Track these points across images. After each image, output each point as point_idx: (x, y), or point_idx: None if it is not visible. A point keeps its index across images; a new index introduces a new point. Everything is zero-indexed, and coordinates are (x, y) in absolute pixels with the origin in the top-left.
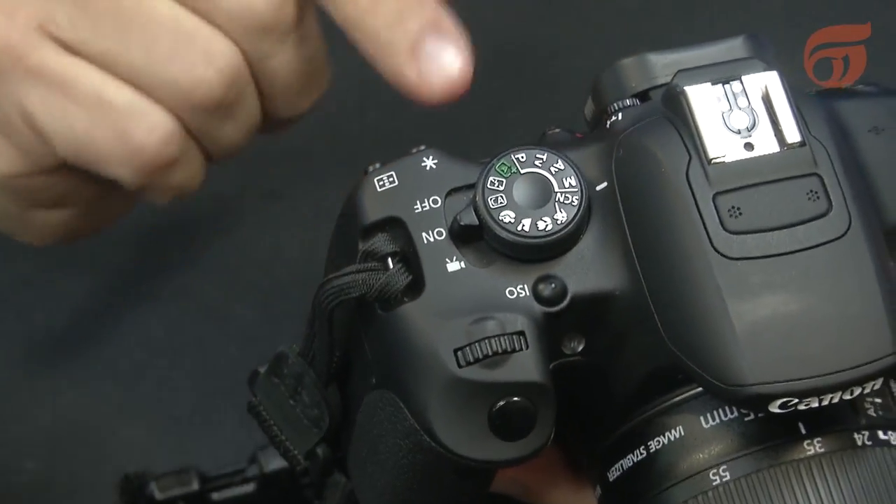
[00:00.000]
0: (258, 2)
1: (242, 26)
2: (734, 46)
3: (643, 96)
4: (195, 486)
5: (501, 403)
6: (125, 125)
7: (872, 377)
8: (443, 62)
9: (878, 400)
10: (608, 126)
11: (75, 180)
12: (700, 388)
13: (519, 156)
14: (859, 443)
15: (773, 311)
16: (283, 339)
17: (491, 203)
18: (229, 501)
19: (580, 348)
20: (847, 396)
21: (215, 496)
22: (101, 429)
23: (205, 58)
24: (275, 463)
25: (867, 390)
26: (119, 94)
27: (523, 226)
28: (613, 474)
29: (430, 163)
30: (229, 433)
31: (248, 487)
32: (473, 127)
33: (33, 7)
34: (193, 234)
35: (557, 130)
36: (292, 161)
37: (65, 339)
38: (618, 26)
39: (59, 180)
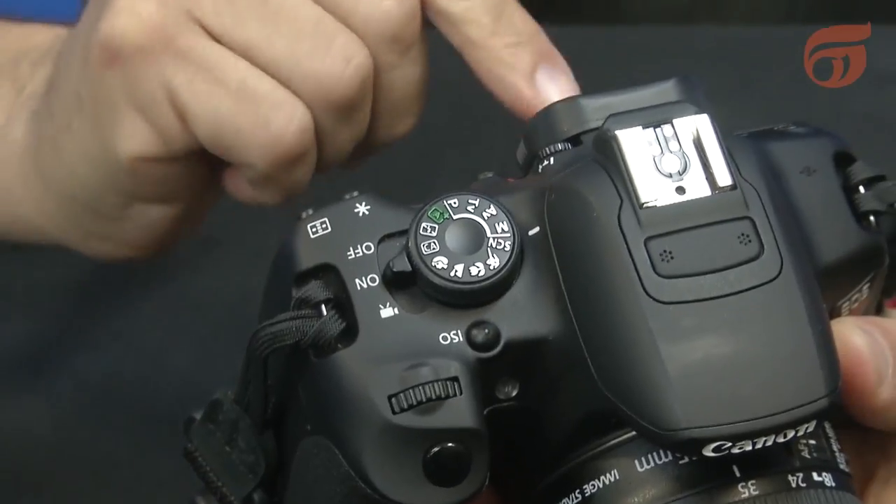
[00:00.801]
0: (393, 11)
1: (377, 32)
2: (666, 89)
3: (575, 140)
4: None
5: (436, 449)
6: (267, 112)
7: (806, 420)
8: (560, 86)
9: (812, 441)
10: (540, 170)
11: (194, 170)
12: (634, 432)
13: (451, 201)
14: (794, 485)
15: (705, 354)
16: (220, 382)
17: (424, 249)
18: None
19: (514, 393)
20: (781, 439)
21: None
22: (37, 473)
23: (343, 57)
24: None
25: (801, 433)
26: (262, 82)
27: (456, 272)
28: None
29: (363, 209)
30: (167, 477)
31: None
32: (407, 172)
33: None
34: (130, 278)
35: (490, 175)
36: (228, 206)
37: (1, 383)
38: None
39: (180, 169)
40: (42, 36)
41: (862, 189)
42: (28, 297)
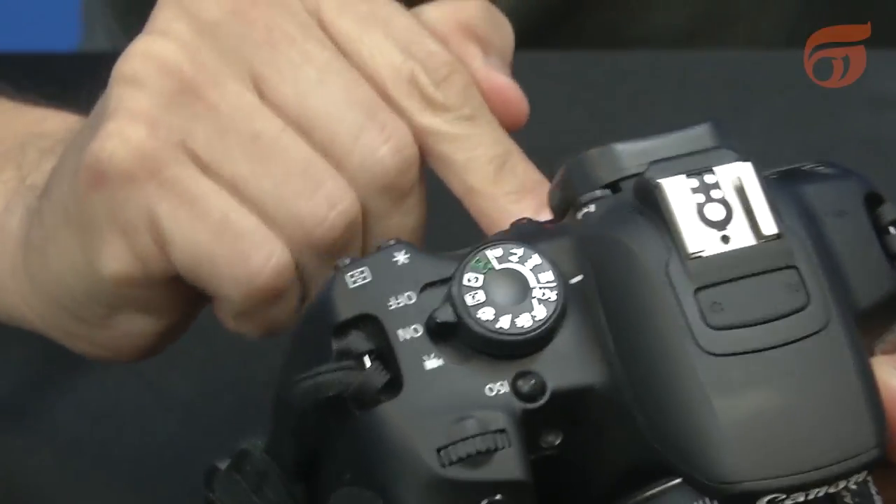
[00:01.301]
0: (388, 161)
1: (368, 181)
2: (701, 134)
3: (614, 187)
4: None
5: (485, 502)
6: (246, 248)
7: (857, 471)
8: None
9: (853, 486)
10: (579, 217)
11: (178, 290)
12: (678, 480)
13: (495, 252)
14: None
15: (757, 407)
16: (220, 409)
17: (468, 300)
18: None
19: (557, 442)
20: (832, 490)
21: None
22: (38, 501)
23: (329, 201)
24: None
25: (850, 484)
26: (244, 218)
27: (502, 324)
28: None
29: (402, 258)
30: None
31: None
32: (438, 216)
33: (176, 123)
34: None
35: (525, 221)
36: None
37: (1, 410)
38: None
39: (161, 291)
40: (53, 123)
41: (892, 230)
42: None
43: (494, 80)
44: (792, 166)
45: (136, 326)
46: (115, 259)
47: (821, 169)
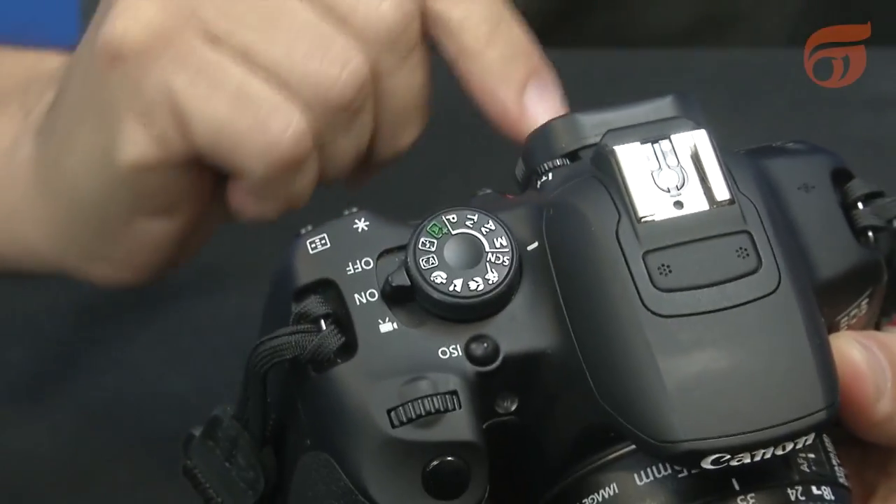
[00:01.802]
0: (390, 15)
1: (374, 36)
2: (663, 106)
3: (573, 156)
4: None
5: (435, 463)
6: (264, 117)
7: (804, 433)
8: (547, 104)
9: (811, 455)
10: (538, 186)
11: (194, 181)
12: (632, 447)
13: (450, 217)
14: (793, 498)
15: (703, 367)
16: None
17: (422, 264)
18: None
19: (513, 407)
20: (779, 452)
21: None
22: (39, 499)
23: (340, 60)
24: None
25: (799, 445)
26: (260, 86)
27: (455, 286)
28: None
29: (361, 224)
30: (169, 501)
31: None
32: (405, 191)
33: None
34: (130, 305)
35: (488, 192)
36: (226, 231)
37: (1, 411)
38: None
39: (180, 178)
40: (52, 62)
41: (860, 205)
42: (28, 323)
43: None
44: (763, 145)
45: (155, 232)
46: (135, 143)
47: (790, 145)
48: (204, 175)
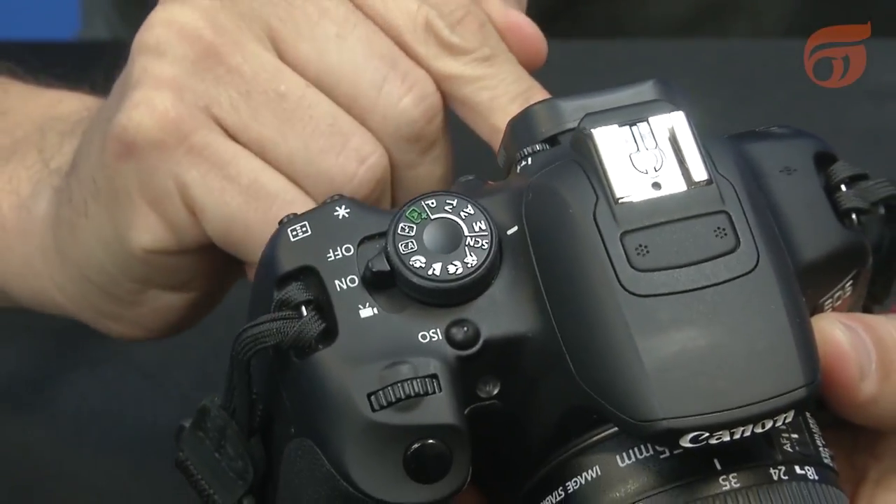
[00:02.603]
0: (410, 111)
1: (394, 132)
2: (643, 90)
3: (552, 141)
4: None
5: (416, 446)
6: (277, 211)
7: (783, 410)
8: None
9: (794, 435)
10: (518, 171)
11: (209, 263)
12: (616, 428)
13: (429, 202)
14: (775, 478)
15: (681, 346)
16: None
17: (401, 249)
18: None
19: (495, 391)
20: (759, 430)
21: None
22: (38, 492)
23: (357, 156)
24: None
25: (779, 423)
26: (274, 180)
27: (434, 270)
28: None
29: (342, 212)
30: (169, 495)
31: None
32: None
33: (200, 89)
34: None
35: (470, 178)
36: None
37: (2, 400)
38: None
39: (193, 262)
40: (69, 105)
41: (843, 188)
42: (28, 317)
43: (510, 17)
44: (748, 130)
45: (168, 301)
46: (147, 231)
47: (774, 129)
48: (219, 254)
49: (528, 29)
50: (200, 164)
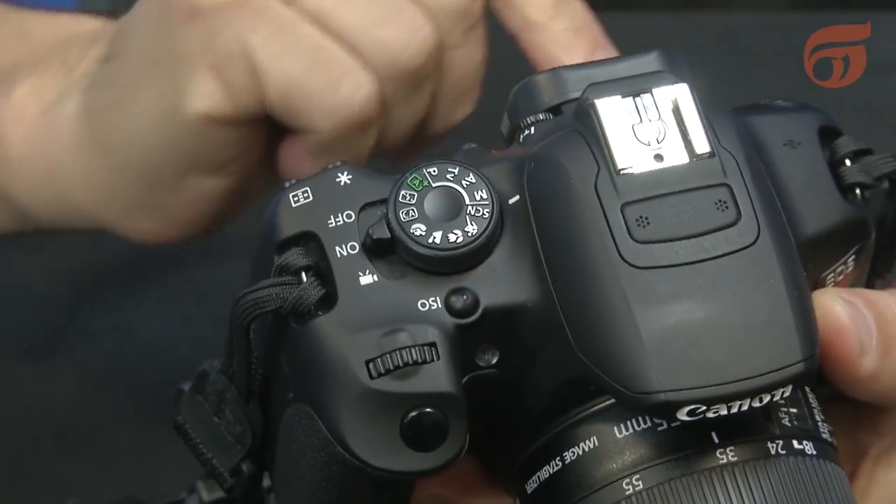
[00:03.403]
0: None
1: (442, 8)
2: (648, 61)
3: (556, 110)
4: None
5: (413, 414)
6: (337, 77)
7: (781, 384)
8: None
9: (793, 409)
10: (521, 140)
11: (252, 139)
12: (611, 401)
13: (431, 170)
14: (773, 452)
15: (679, 319)
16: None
17: (402, 216)
18: None
19: (494, 360)
20: (756, 404)
21: None
22: (40, 462)
23: (411, 28)
24: (214, 493)
25: (777, 398)
26: (333, 48)
27: (434, 238)
28: (531, 486)
29: (344, 178)
30: (170, 465)
31: None
32: None
33: None
34: (132, 269)
35: (473, 146)
36: None
37: (2, 374)
38: None
39: (242, 137)
40: (87, 24)
41: (848, 162)
42: (29, 285)
43: None
44: (752, 103)
45: (206, 189)
46: (207, 96)
47: (778, 103)
48: (261, 134)
49: None
50: (264, 26)
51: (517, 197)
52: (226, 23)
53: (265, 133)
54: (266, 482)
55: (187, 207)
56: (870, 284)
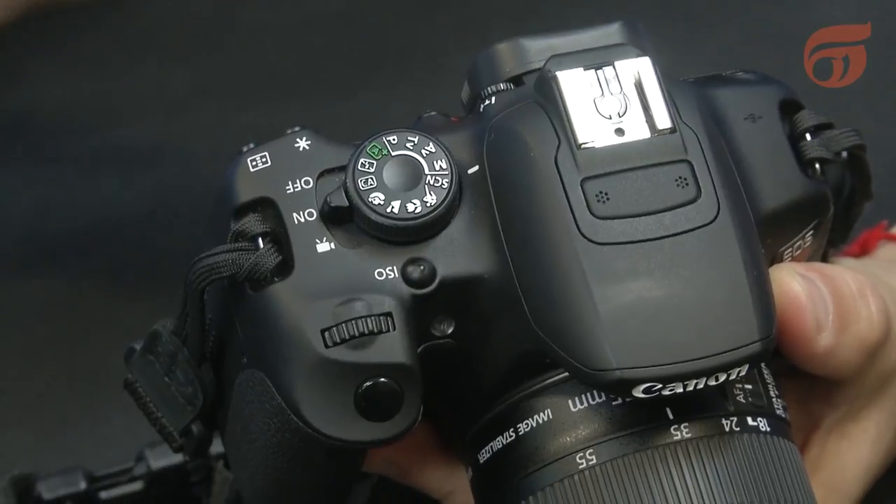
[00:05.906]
0: None
1: None
2: (610, 32)
3: (517, 81)
4: (82, 485)
5: (368, 384)
6: None
7: (737, 364)
8: None
9: (748, 386)
10: (482, 110)
11: None
12: (565, 374)
13: (390, 138)
14: (727, 429)
15: (637, 296)
16: None
17: (361, 185)
18: (117, 500)
19: (449, 331)
20: (712, 383)
21: (103, 495)
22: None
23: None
24: (162, 461)
25: (733, 377)
26: None
27: (392, 208)
28: (483, 456)
29: (303, 144)
30: (117, 433)
31: (136, 486)
32: (353, 113)
33: None
34: (81, 235)
35: (433, 114)
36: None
37: None
38: (502, 20)
39: None
40: None
41: (808, 136)
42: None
43: None
44: (713, 73)
45: None
46: None
47: (740, 74)
48: None
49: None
50: None
51: (476, 167)
52: None
53: None
54: (214, 449)
55: None
56: (824, 255)
